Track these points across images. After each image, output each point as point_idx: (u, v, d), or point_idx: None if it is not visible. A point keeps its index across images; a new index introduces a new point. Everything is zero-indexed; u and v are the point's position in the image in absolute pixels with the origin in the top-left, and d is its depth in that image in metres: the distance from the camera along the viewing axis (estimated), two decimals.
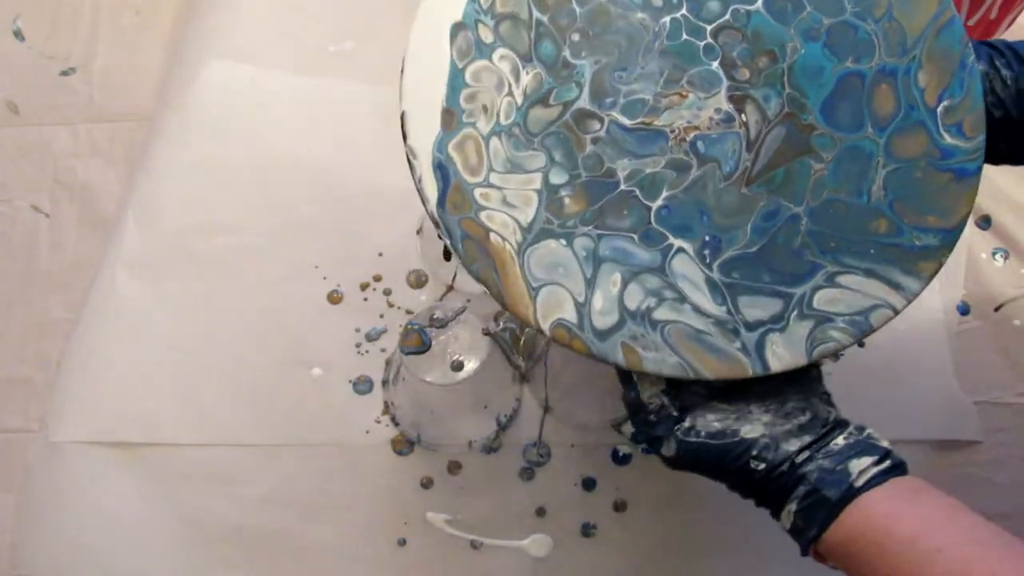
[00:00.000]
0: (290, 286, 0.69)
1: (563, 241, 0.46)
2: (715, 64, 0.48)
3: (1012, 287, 0.69)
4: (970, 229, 0.71)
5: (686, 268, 0.47)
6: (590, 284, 0.46)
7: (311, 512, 0.63)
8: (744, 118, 0.48)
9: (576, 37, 0.49)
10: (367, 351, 0.67)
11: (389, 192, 0.72)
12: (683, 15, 0.49)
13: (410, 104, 0.47)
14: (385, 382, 0.66)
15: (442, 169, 0.46)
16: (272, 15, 0.79)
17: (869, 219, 0.47)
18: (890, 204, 0.48)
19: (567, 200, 0.47)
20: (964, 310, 0.69)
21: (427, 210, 0.46)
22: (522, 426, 0.65)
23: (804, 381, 0.48)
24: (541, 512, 0.63)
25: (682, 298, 0.46)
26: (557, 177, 0.47)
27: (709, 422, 0.47)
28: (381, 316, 0.68)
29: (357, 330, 0.68)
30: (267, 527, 0.62)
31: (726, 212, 0.47)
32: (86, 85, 0.79)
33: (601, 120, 0.48)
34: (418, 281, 0.70)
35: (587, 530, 0.62)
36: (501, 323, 0.68)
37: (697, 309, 0.46)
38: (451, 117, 0.47)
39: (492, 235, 0.46)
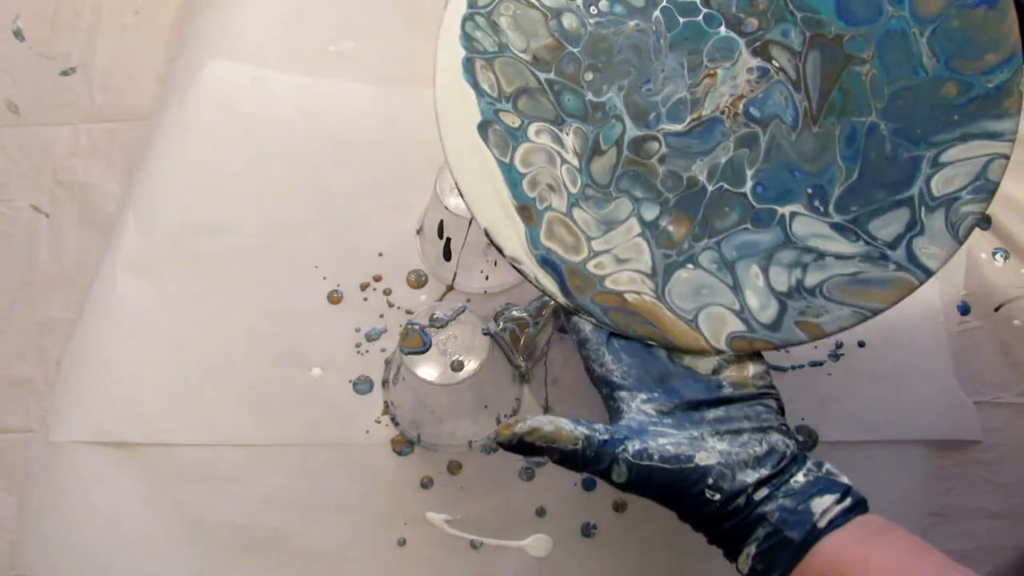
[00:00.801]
0: (290, 286, 0.69)
1: (690, 266, 0.46)
2: (722, 29, 0.48)
3: (1012, 287, 0.69)
4: None
5: (808, 227, 0.46)
6: (736, 289, 0.46)
7: (311, 512, 0.63)
8: (776, 63, 0.48)
9: (589, 76, 0.48)
10: (367, 351, 0.67)
11: (389, 192, 0.73)
12: (667, 1, 0.48)
13: (485, 218, 0.46)
14: (385, 382, 0.66)
15: (549, 263, 0.46)
16: (272, 15, 0.79)
17: (936, 90, 0.47)
18: (947, 65, 0.47)
19: (671, 228, 0.47)
20: (964, 310, 0.69)
21: (560, 303, 0.46)
22: None
23: (760, 410, 0.47)
24: (541, 512, 0.63)
25: (820, 255, 0.46)
26: (649, 212, 0.47)
27: (662, 445, 0.46)
28: (381, 316, 0.68)
29: (357, 330, 0.68)
30: (267, 527, 0.62)
31: (811, 158, 0.47)
32: (86, 85, 0.79)
33: (656, 138, 0.48)
34: (418, 281, 0.70)
35: (587, 530, 0.62)
36: (501, 323, 0.68)
37: (839, 257, 0.46)
38: (528, 211, 0.46)
39: (628, 295, 0.46)
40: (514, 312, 0.68)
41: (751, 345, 0.46)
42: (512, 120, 0.47)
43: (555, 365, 0.62)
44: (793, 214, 0.47)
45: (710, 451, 0.46)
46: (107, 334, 0.67)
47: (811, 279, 0.46)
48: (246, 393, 0.66)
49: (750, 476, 0.45)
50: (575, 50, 0.48)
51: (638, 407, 0.47)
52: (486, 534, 0.62)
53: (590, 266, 0.46)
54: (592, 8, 0.49)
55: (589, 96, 0.48)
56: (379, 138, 0.75)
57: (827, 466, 0.46)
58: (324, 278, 0.70)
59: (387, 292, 0.69)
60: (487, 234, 0.46)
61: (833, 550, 0.42)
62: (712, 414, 0.47)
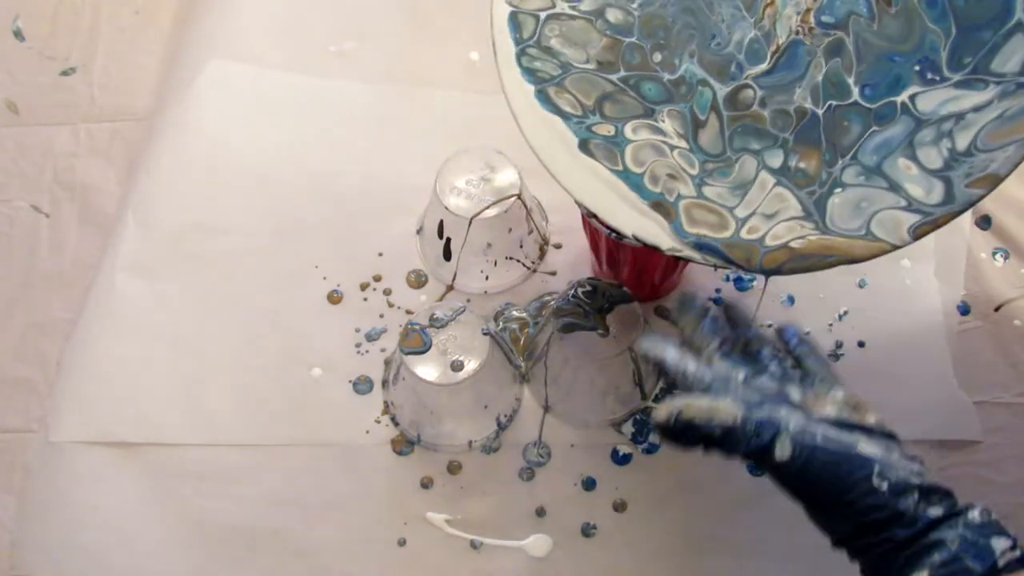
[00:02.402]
0: (290, 286, 0.69)
1: (838, 190, 0.45)
2: None
3: (1012, 287, 0.69)
4: (970, 229, 0.71)
5: (933, 99, 0.45)
6: (895, 188, 0.45)
7: (311, 512, 0.63)
8: None
9: (658, 57, 0.48)
10: (367, 351, 0.67)
11: (389, 192, 0.73)
12: None
13: (629, 226, 0.46)
14: (385, 382, 0.66)
15: (704, 247, 0.45)
16: (272, 15, 0.79)
17: None
18: None
19: (802, 165, 0.46)
20: (964, 310, 0.69)
21: (759, 273, 0.45)
22: (522, 426, 0.65)
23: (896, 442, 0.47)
24: (541, 512, 0.63)
25: (959, 117, 0.45)
26: (775, 159, 0.46)
27: (824, 428, 0.45)
28: (381, 316, 0.68)
29: (357, 330, 0.68)
30: (267, 527, 0.62)
31: (903, 37, 0.46)
32: (86, 85, 0.79)
33: (747, 86, 0.47)
34: (418, 281, 0.70)
35: (587, 530, 0.62)
36: (501, 323, 0.68)
37: (978, 108, 0.45)
38: (662, 207, 0.46)
39: (793, 244, 0.45)
40: (514, 312, 0.68)
41: (937, 225, 0.44)
42: (606, 129, 0.47)
43: (555, 365, 0.62)
44: (913, 96, 0.45)
45: (869, 446, 0.45)
46: (107, 334, 0.67)
47: (961, 142, 0.44)
48: (246, 393, 0.66)
49: (914, 479, 0.44)
50: (632, 39, 0.48)
51: None
52: (486, 534, 0.62)
53: (743, 233, 0.45)
54: None
55: (666, 76, 0.47)
56: (379, 138, 0.75)
57: (995, 515, 0.45)
58: (324, 278, 0.70)
59: (387, 292, 0.69)
60: (638, 240, 0.46)
61: None
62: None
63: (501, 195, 0.64)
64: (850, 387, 0.66)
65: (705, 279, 0.70)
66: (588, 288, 0.61)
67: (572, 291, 0.61)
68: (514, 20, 0.48)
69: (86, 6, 0.82)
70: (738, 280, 0.70)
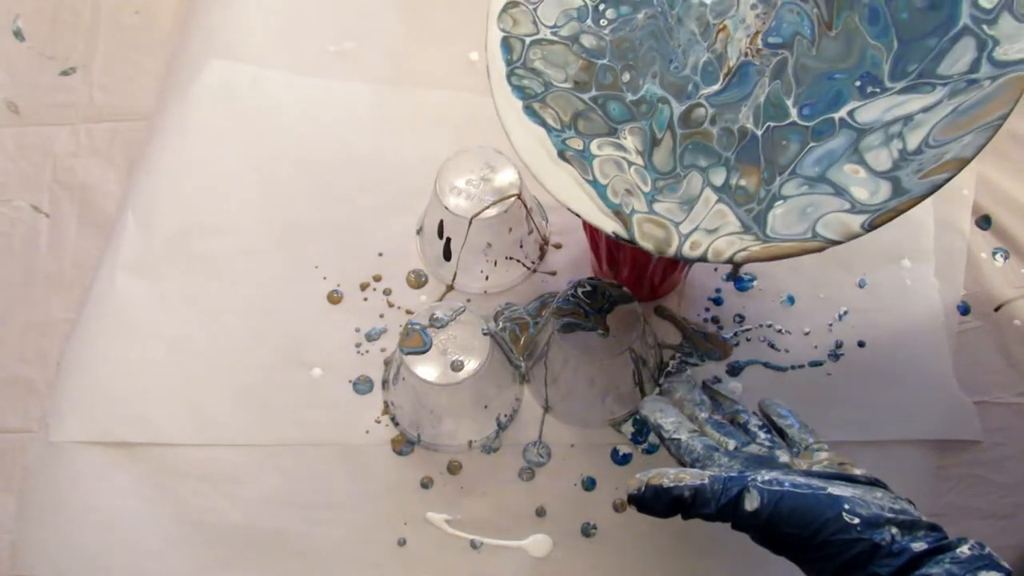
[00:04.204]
0: (290, 286, 0.69)
1: (779, 203, 0.47)
2: None
3: (1012, 287, 0.69)
4: (970, 229, 0.71)
5: (875, 110, 0.47)
6: (840, 192, 0.46)
7: (311, 512, 0.63)
8: None
9: (627, 76, 0.51)
10: (367, 351, 0.67)
11: (389, 192, 0.73)
12: None
13: (606, 225, 0.49)
14: (385, 382, 0.66)
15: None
16: (272, 15, 0.79)
17: None
18: None
19: (743, 182, 0.48)
20: (964, 310, 0.69)
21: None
22: (522, 426, 0.65)
23: (882, 491, 0.48)
24: (541, 512, 0.63)
25: (907, 119, 0.46)
26: (717, 177, 0.49)
27: (792, 478, 0.46)
28: (381, 316, 0.68)
29: (357, 330, 0.68)
30: (267, 527, 0.62)
31: (843, 56, 0.48)
32: (86, 85, 0.79)
33: (700, 104, 0.49)
34: (418, 281, 0.70)
35: (587, 530, 0.62)
36: (501, 323, 0.68)
37: (927, 109, 0.46)
38: (621, 216, 0.49)
39: (737, 256, 0.47)
40: (514, 312, 0.68)
41: (896, 212, 0.46)
42: (576, 144, 0.51)
43: (555, 365, 0.62)
44: (852, 111, 0.47)
45: (840, 488, 0.46)
46: (107, 334, 0.67)
47: (912, 141, 0.46)
48: (246, 393, 0.66)
49: (889, 519, 0.44)
50: (605, 61, 0.51)
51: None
52: (486, 534, 0.62)
53: (686, 249, 0.48)
54: (601, 20, 0.52)
55: (629, 97, 0.51)
56: (379, 138, 0.75)
57: (988, 548, 0.45)
58: (324, 278, 0.70)
59: (387, 292, 0.69)
60: (618, 238, 0.49)
61: None
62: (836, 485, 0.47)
63: (501, 195, 0.64)
64: (850, 388, 0.67)
65: (705, 279, 0.70)
66: (588, 288, 0.61)
67: (572, 291, 0.61)
68: (505, 44, 0.53)
69: (86, 6, 0.82)
70: (738, 281, 0.70)
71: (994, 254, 0.71)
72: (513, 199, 0.64)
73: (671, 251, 0.48)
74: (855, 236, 0.46)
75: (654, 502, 0.48)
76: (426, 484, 0.63)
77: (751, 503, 0.46)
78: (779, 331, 0.68)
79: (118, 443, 0.64)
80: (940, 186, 0.45)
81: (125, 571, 0.61)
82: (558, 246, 0.71)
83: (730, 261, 0.47)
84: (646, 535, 0.62)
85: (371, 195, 0.72)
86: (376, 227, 0.71)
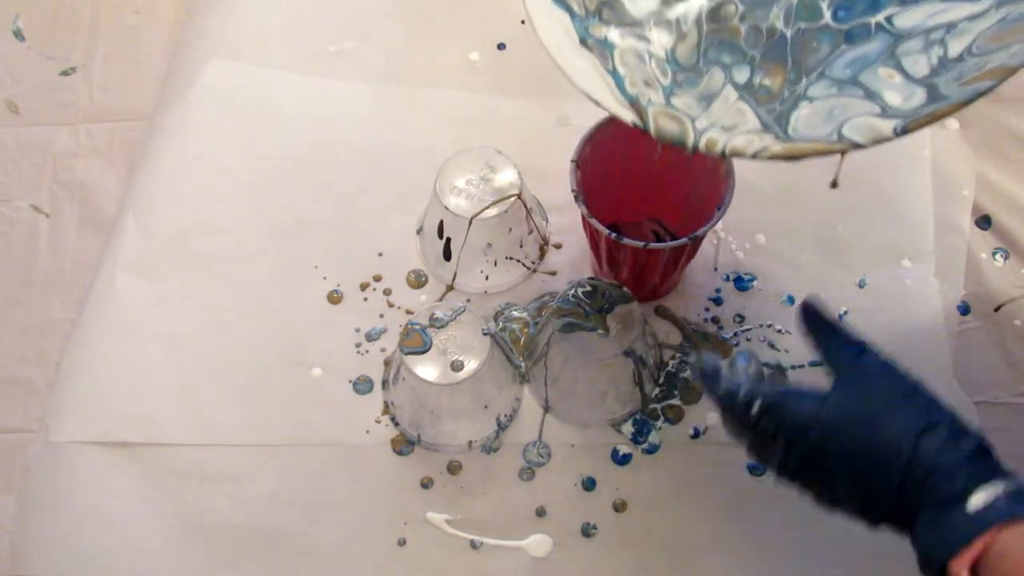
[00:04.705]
0: (290, 286, 0.69)
1: (806, 102, 0.45)
2: None
3: (1012, 287, 0.69)
4: (970, 229, 0.71)
5: (914, 15, 0.45)
6: (872, 96, 0.45)
7: (311, 512, 0.63)
8: None
9: None
10: (367, 351, 0.67)
11: (389, 192, 0.73)
12: None
13: (624, 115, 0.47)
14: (385, 382, 0.66)
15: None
16: (272, 15, 0.79)
17: None
18: None
19: (767, 81, 0.47)
20: (964, 310, 0.69)
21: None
22: (522, 426, 0.65)
23: None
24: (541, 512, 0.63)
25: (950, 26, 0.44)
26: (741, 75, 0.47)
27: None
28: (381, 316, 0.68)
29: (357, 330, 0.68)
30: (267, 527, 0.62)
31: None
32: (86, 85, 0.79)
33: (731, 2, 0.48)
34: (418, 281, 0.70)
35: (587, 530, 0.62)
36: (501, 323, 0.68)
37: (973, 17, 0.44)
38: (637, 107, 0.47)
39: (761, 155, 0.45)
40: (514, 312, 0.68)
41: (934, 118, 0.43)
42: (599, 31, 0.49)
43: (555, 365, 0.62)
44: (889, 16, 0.45)
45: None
46: (107, 334, 0.67)
47: (954, 48, 0.44)
48: (246, 393, 0.66)
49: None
50: None
51: None
52: (486, 534, 0.62)
53: (701, 145, 0.46)
54: None
55: None
56: (379, 138, 0.75)
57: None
58: (324, 278, 0.70)
59: (387, 292, 0.69)
60: (636, 127, 0.47)
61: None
62: None
63: (501, 195, 0.64)
64: None
65: (705, 278, 0.70)
66: (588, 288, 0.61)
67: (572, 291, 0.61)
68: None
69: (86, 6, 0.82)
70: (738, 280, 0.70)
71: (994, 254, 0.71)
72: (513, 199, 0.64)
73: (688, 147, 0.46)
74: (885, 140, 0.44)
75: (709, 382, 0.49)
76: (426, 484, 0.63)
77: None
78: (779, 331, 0.68)
79: (118, 443, 0.64)
80: (983, 93, 0.43)
81: (125, 571, 0.61)
82: (558, 246, 0.71)
83: (754, 158, 0.45)
84: (646, 535, 0.62)
85: (371, 195, 0.72)
86: (376, 227, 0.71)
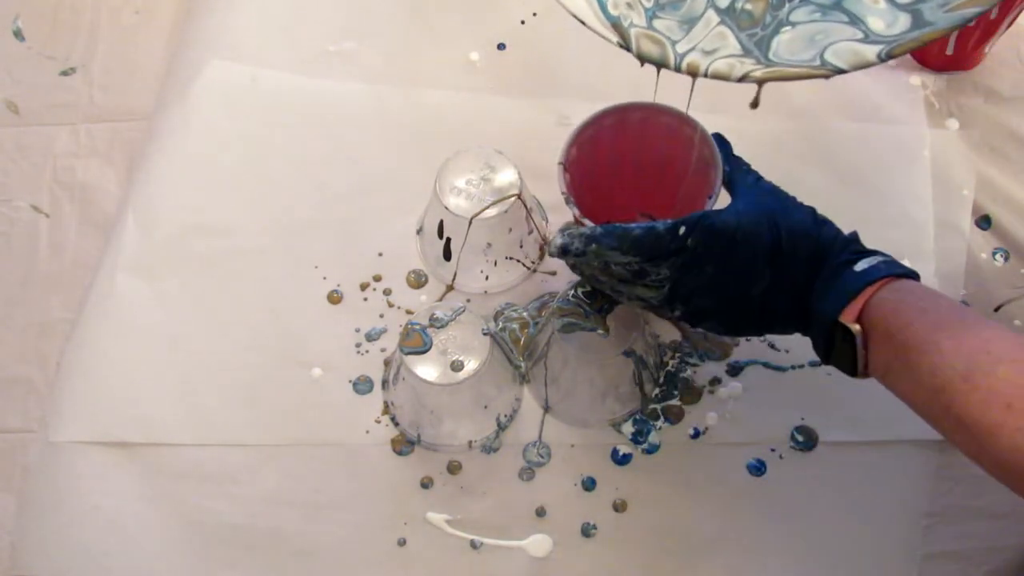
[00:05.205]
0: (290, 286, 0.69)
1: (787, 28, 0.46)
2: None
3: (1012, 287, 0.69)
4: (970, 229, 0.71)
5: None
6: (855, 21, 0.45)
7: (311, 512, 0.63)
8: None
9: None
10: (367, 351, 0.67)
11: (389, 192, 0.73)
12: None
13: (607, 36, 0.48)
14: (385, 382, 0.66)
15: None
16: (272, 15, 0.79)
17: None
18: None
19: (748, 6, 0.47)
20: None
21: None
22: (522, 426, 0.65)
23: None
24: (541, 512, 0.63)
25: None
26: None
27: None
28: (381, 316, 0.68)
29: (357, 330, 0.68)
30: (267, 527, 0.62)
31: None
32: (86, 85, 0.79)
33: None
34: (418, 281, 0.70)
35: (587, 530, 0.62)
36: (501, 323, 0.68)
37: None
38: (619, 28, 0.48)
39: (747, 78, 0.46)
40: (514, 312, 0.68)
41: (919, 43, 0.44)
42: None
43: (555, 365, 0.62)
44: None
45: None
46: (107, 334, 0.67)
47: None
48: (246, 393, 0.66)
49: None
50: None
51: None
52: (486, 534, 0.62)
53: (683, 68, 0.47)
54: None
55: None
56: (379, 138, 0.75)
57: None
58: (324, 278, 0.70)
59: (387, 292, 0.69)
60: (621, 47, 0.48)
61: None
62: None
63: (501, 195, 0.64)
64: (850, 388, 0.66)
65: None
66: (588, 288, 0.61)
67: (572, 291, 0.61)
68: None
69: (86, 6, 0.82)
70: None
71: (994, 254, 0.71)
72: (513, 199, 0.64)
73: (670, 68, 0.47)
74: (868, 65, 0.45)
75: (604, 238, 0.51)
76: (426, 484, 0.63)
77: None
78: None
79: (118, 443, 0.64)
80: (969, 20, 0.44)
81: (125, 571, 0.61)
82: None
83: (740, 80, 0.46)
84: (646, 535, 0.62)
85: (371, 195, 0.72)
86: (376, 227, 0.71)
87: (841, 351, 0.51)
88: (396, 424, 0.65)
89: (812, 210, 0.55)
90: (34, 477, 0.64)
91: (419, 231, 0.71)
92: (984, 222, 0.72)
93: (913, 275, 0.51)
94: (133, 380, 0.66)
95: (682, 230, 0.51)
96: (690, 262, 0.52)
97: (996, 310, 0.69)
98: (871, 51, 0.45)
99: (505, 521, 0.62)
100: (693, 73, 0.47)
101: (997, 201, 0.72)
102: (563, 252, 0.53)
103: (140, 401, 0.65)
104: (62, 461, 0.63)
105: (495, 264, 0.68)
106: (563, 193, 0.58)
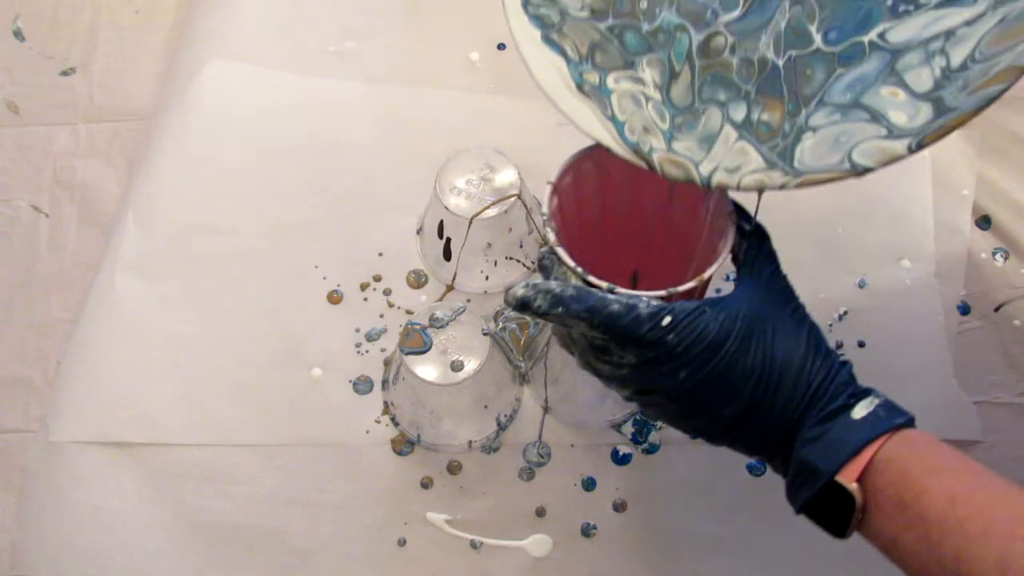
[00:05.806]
0: (290, 286, 0.69)
1: (809, 134, 0.45)
2: None
3: (1012, 287, 0.69)
4: (970, 229, 0.71)
5: (910, 28, 0.44)
6: (877, 118, 0.44)
7: (311, 512, 0.63)
8: None
9: (644, 4, 0.48)
10: (367, 351, 0.67)
11: (389, 192, 0.73)
12: None
13: (629, 157, 0.47)
14: (385, 382, 0.66)
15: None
16: (272, 15, 0.79)
17: None
18: None
19: (765, 116, 0.46)
20: (964, 310, 0.69)
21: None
22: (522, 426, 0.65)
23: None
24: (541, 512, 0.63)
25: (948, 34, 0.43)
26: (738, 112, 0.46)
27: None
28: (381, 316, 0.68)
29: (357, 330, 0.68)
30: (267, 527, 0.62)
31: None
32: (86, 85, 0.79)
33: (719, 33, 0.47)
34: (418, 281, 0.70)
35: (587, 530, 0.62)
36: (501, 323, 0.68)
37: (971, 22, 0.43)
38: (640, 154, 0.46)
39: (785, 187, 0.44)
40: (514, 312, 0.68)
41: (948, 130, 0.43)
42: (593, 77, 0.48)
43: (555, 365, 0.62)
44: (882, 32, 0.44)
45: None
46: (107, 334, 0.67)
47: (956, 57, 0.43)
48: (246, 393, 0.66)
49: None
50: None
51: None
52: (486, 534, 0.62)
53: (713, 185, 0.45)
54: None
55: (645, 27, 0.48)
56: (379, 138, 0.75)
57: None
58: (324, 278, 0.70)
59: (387, 292, 0.69)
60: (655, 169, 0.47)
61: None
62: None
63: (501, 195, 0.64)
64: None
65: None
66: None
67: None
68: None
69: (86, 6, 0.82)
70: None
71: (994, 254, 0.71)
72: (513, 199, 0.64)
73: (701, 177, 0.45)
74: (900, 159, 0.43)
75: (574, 303, 0.45)
76: (426, 484, 0.63)
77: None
78: None
79: (118, 443, 0.64)
80: (994, 99, 0.42)
81: (125, 571, 0.61)
82: None
83: (781, 188, 0.44)
84: (646, 535, 0.62)
85: (371, 195, 0.72)
86: (376, 227, 0.71)
87: (829, 511, 0.44)
88: (396, 424, 0.65)
89: (809, 330, 0.47)
90: (34, 477, 0.64)
91: (419, 231, 0.71)
92: (984, 222, 0.72)
93: (911, 420, 0.45)
94: (133, 380, 0.66)
95: (666, 321, 0.44)
96: (663, 358, 0.44)
97: (996, 310, 0.69)
98: (899, 145, 0.43)
99: (505, 521, 0.62)
100: (725, 189, 0.45)
101: (997, 201, 0.72)
102: (522, 306, 0.46)
103: (140, 401, 0.65)
104: (62, 461, 0.63)
105: (495, 264, 0.68)
106: (543, 215, 0.51)
